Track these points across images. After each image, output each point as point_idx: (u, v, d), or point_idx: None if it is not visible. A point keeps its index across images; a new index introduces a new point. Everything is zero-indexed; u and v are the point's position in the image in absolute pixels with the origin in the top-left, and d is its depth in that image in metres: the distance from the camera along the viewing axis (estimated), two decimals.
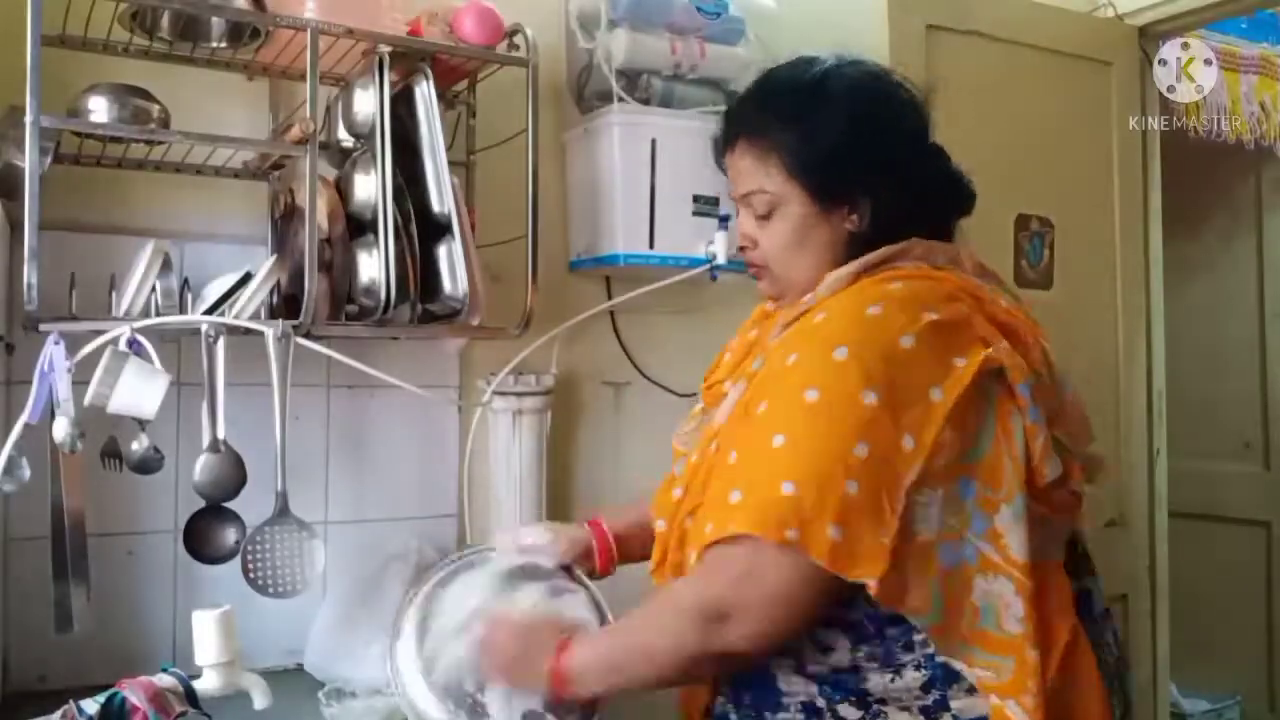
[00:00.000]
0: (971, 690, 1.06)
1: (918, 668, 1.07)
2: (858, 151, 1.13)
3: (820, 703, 1.10)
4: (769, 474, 1.01)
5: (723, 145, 1.22)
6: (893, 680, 1.07)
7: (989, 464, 1.04)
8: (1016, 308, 1.15)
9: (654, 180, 1.87)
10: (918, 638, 1.06)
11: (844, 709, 1.09)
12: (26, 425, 1.35)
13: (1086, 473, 1.15)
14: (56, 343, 1.36)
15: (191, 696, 1.19)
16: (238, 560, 1.49)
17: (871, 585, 0.98)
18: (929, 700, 1.07)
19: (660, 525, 1.23)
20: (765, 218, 1.16)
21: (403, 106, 1.64)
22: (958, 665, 1.05)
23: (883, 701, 1.08)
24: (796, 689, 1.11)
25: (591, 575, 1.38)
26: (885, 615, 1.06)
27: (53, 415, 1.35)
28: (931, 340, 1.03)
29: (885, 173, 1.13)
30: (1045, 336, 1.15)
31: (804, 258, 1.15)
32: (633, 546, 1.40)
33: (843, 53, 1.19)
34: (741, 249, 1.21)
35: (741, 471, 1.05)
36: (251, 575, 1.49)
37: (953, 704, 1.06)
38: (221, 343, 1.47)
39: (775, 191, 1.14)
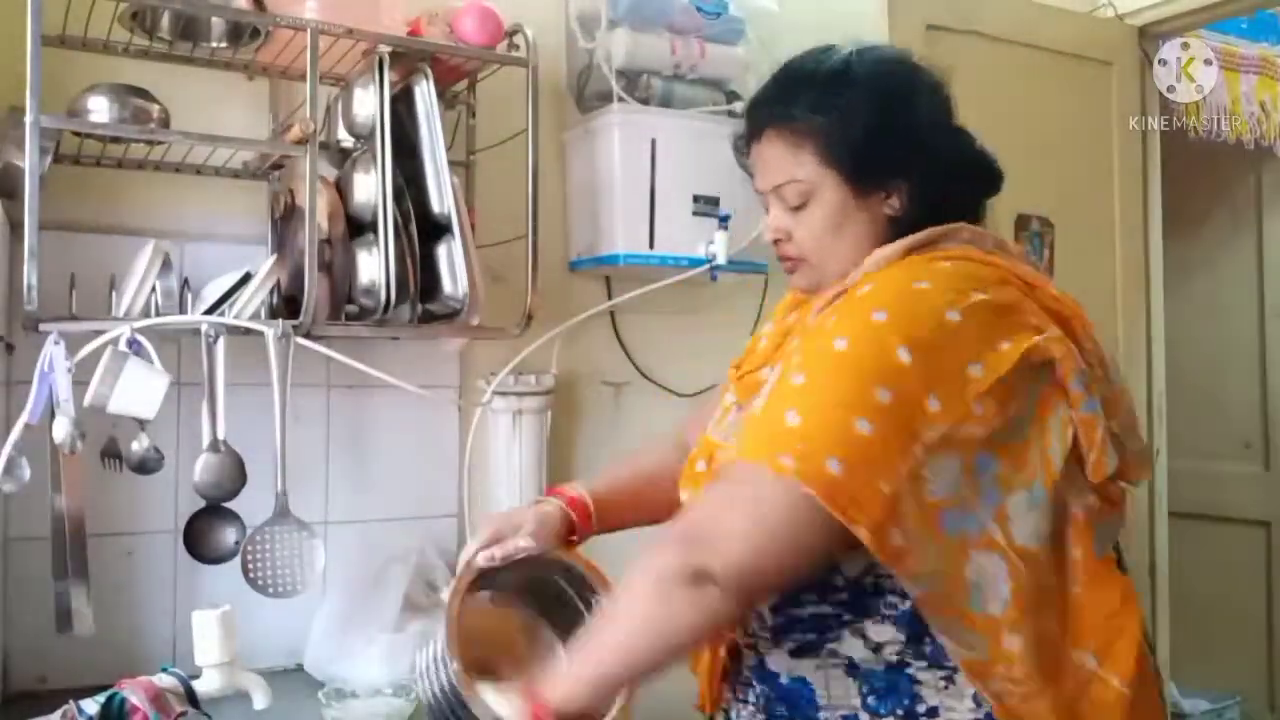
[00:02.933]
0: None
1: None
2: (890, 132, 1.09)
3: (864, 716, 1.03)
4: (779, 409, 0.96)
5: (747, 140, 1.17)
6: (946, 686, 1.01)
7: (1017, 449, 1.00)
8: (1065, 295, 1.09)
9: (654, 180, 1.87)
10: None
11: None
12: (26, 425, 1.35)
13: (1135, 468, 1.11)
14: (56, 343, 1.36)
15: (191, 697, 1.20)
16: (238, 560, 1.49)
17: (863, 533, 0.91)
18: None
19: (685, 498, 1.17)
20: (799, 208, 1.12)
21: (403, 106, 1.64)
22: (942, 640, 0.99)
23: (934, 713, 1.01)
24: (839, 697, 1.04)
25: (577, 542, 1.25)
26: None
27: (53, 415, 1.35)
28: (979, 319, 1.00)
29: (919, 152, 1.10)
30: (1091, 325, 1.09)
31: (842, 245, 1.11)
32: (622, 510, 1.28)
33: (857, 41, 1.15)
34: (776, 242, 1.17)
35: (759, 416, 1.00)
36: (251, 575, 1.50)
37: None
38: (221, 343, 1.47)
39: (809, 179, 1.11)
